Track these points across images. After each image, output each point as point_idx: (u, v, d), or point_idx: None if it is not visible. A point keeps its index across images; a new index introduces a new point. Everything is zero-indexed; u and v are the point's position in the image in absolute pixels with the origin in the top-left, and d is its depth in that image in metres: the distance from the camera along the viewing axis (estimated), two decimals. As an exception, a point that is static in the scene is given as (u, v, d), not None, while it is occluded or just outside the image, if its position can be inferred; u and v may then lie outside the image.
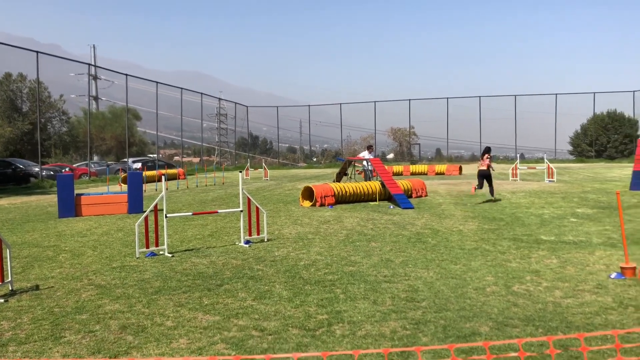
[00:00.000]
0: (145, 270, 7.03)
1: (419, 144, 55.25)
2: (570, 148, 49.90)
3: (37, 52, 26.50)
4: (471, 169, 35.29)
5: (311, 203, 14.35)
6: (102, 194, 15.18)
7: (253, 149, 60.38)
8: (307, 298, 5.58)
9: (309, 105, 54.33)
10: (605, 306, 5.12)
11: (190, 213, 9.67)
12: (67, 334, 4.67)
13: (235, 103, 54.52)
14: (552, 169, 22.17)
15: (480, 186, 14.83)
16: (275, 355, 2.53)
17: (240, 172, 9.68)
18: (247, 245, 8.61)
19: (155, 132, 40.59)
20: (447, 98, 49.98)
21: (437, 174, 30.61)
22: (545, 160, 24.36)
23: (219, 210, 10.34)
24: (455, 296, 5.56)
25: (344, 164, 19.76)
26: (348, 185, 15.11)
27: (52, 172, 27.49)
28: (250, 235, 9.11)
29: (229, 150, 56.77)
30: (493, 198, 14.75)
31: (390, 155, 52.85)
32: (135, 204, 13.76)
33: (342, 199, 14.66)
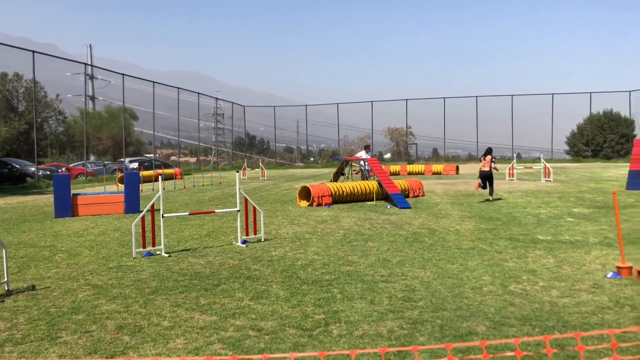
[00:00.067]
0: (142, 270, 7.01)
1: (416, 144, 55.33)
2: (566, 148, 50.03)
3: (34, 51, 26.42)
4: (468, 169, 35.34)
5: (308, 203, 14.35)
6: (98, 193, 15.14)
7: (250, 148, 60.34)
8: (304, 298, 5.58)
9: (306, 105, 54.36)
10: (601, 305, 5.13)
11: (187, 213, 9.65)
12: (64, 334, 4.65)
13: (232, 103, 54.48)
14: (548, 168, 22.23)
15: (484, 186, 14.93)
16: (272, 355, 2.53)
17: (237, 172, 9.67)
18: (244, 245, 8.60)
19: (152, 132, 40.54)
20: (444, 98, 50.09)
21: (434, 173, 30.66)
22: (542, 160, 24.42)
23: (216, 210, 10.33)
24: (452, 296, 5.57)
25: (341, 164, 19.77)
26: (345, 185, 15.12)
27: (48, 172, 27.41)
28: (247, 235, 9.10)
29: (226, 150, 56.72)
30: (490, 198, 14.77)
31: (388, 155, 52.89)
32: (132, 204, 13.74)
33: (339, 199, 14.66)
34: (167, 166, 36.31)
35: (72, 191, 14.70)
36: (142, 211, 8.60)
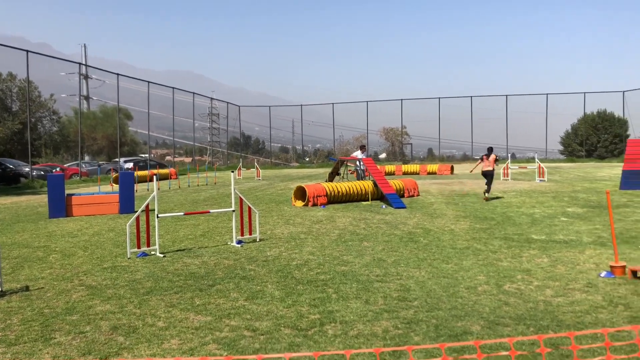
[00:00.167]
0: (137, 271, 6.99)
1: (411, 144, 55.41)
2: (560, 148, 50.23)
3: (27, 51, 26.29)
4: (463, 169, 35.43)
5: (304, 203, 14.34)
6: (93, 194, 15.09)
7: (245, 148, 60.27)
8: (300, 298, 5.58)
9: (301, 105, 54.32)
10: (595, 305, 5.16)
11: (182, 213, 9.64)
12: (57, 335, 4.63)
13: (228, 103, 54.38)
14: (543, 168, 22.31)
15: (489, 186, 15.07)
16: (267, 356, 2.53)
17: (233, 172, 9.66)
18: (239, 245, 8.59)
19: (147, 132, 40.41)
20: (439, 98, 50.18)
21: (429, 173, 30.71)
22: (536, 159, 24.51)
23: (211, 210, 10.32)
24: (447, 295, 5.58)
25: (336, 164, 19.78)
26: (340, 185, 15.12)
27: (42, 172, 27.29)
28: (242, 235, 9.09)
29: (221, 150, 56.63)
30: (486, 196, 14.85)
31: (383, 155, 52.95)
32: (126, 204, 13.69)
33: (334, 199, 14.67)
34: (162, 166, 36.21)
35: (67, 191, 14.64)
36: (136, 211, 8.58)
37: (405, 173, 31.50)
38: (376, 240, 8.96)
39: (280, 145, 70.14)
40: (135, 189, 14.81)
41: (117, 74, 34.54)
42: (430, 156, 55.34)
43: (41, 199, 17.86)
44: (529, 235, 9.07)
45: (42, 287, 6.26)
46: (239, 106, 55.23)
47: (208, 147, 56.98)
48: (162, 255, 7.92)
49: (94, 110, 47.57)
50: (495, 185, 19.83)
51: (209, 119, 57.29)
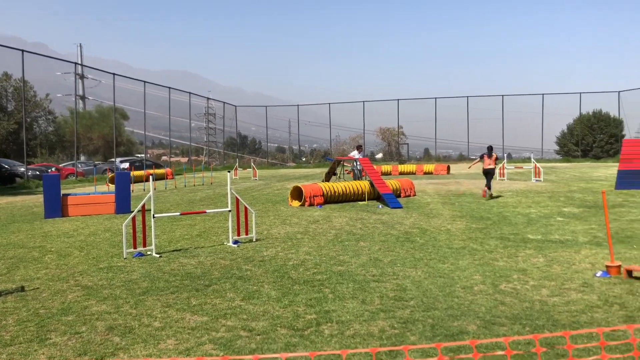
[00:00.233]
0: (133, 271, 6.98)
1: (408, 144, 55.49)
2: (556, 148, 50.36)
3: (23, 50, 26.20)
4: (459, 169, 35.49)
5: (300, 203, 14.34)
6: (89, 194, 15.05)
7: (242, 148, 60.21)
8: (296, 298, 5.58)
9: (297, 105, 54.32)
10: (590, 304, 5.18)
11: (178, 213, 9.62)
12: (53, 335, 4.62)
13: (224, 103, 54.33)
14: (539, 168, 22.37)
15: (489, 184, 15.38)
16: (263, 356, 2.52)
17: (229, 172, 9.65)
18: (235, 245, 8.58)
19: (143, 132, 40.34)
20: (436, 98, 50.25)
21: (425, 173, 30.75)
22: (532, 159, 24.56)
23: (207, 210, 10.30)
24: (443, 295, 5.59)
25: (332, 164, 19.79)
26: (337, 185, 15.13)
27: (38, 172, 27.19)
28: (238, 235, 9.08)
29: (218, 150, 56.56)
30: (490, 194, 15.25)
31: (379, 155, 53.00)
32: (122, 204, 13.66)
33: (331, 199, 14.67)
34: (158, 166, 36.15)
35: (62, 191, 14.60)
36: (133, 211, 8.56)
37: (401, 173, 31.54)
38: (373, 240, 8.97)
39: (276, 145, 70.13)
40: (131, 189, 14.77)
41: (113, 74, 34.46)
42: (427, 156, 55.41)
43: (37, 199, 17.81)
44: (525, 235, 9.09)
45: (38, 288, 6.23)
46: (236, 106, 55.18)
47: (204, 147, 56.91)
48: (158, 256, 7.90)
49: (89, 110, 47.44)
50: (492, 185, 19.87)
51: (205, 119, 57.22)
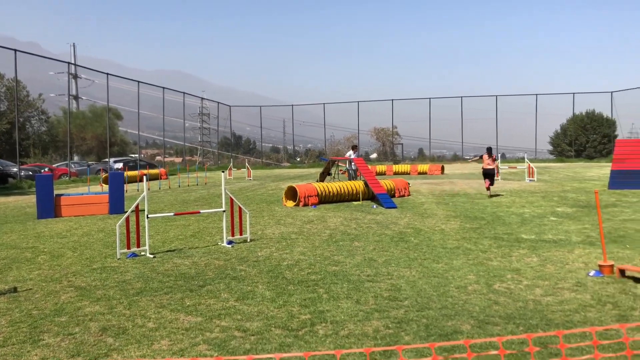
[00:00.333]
0: (127, 272, 6.95)
1: (402, 144, 55.57)
2: (550, 148, 50.60)
3: (16, 50, 26.04)
4: (453, 169, 35.59)
5: (295, 203, 14.33)
6: (82, 194, 14.98)
7: (236, 148, 60.11)
8: (290, 298, 5.57)
9: (292, 105, 54.30)
10: (584, 304, 5.20)
11: (172, 213, 9.59)
12: (46, 336, 4.59)
13: (218, 102, 54.22)
14: (532, 168, 22.47)
15: (487, 183, 15.73)
16: (257, 356, 2.52)
17: (223, 172, 9.63)
18: (229, 246, 8.56)
19: (137, 132, 40.19)
20: (430, 98, 50.36)
21: (419, 173, 30.81)
22: (526, 159, 24.67)
23: (202, 211, 10.26)
24: (438, 295, 5.60)
25: (327, 164, 19.79)
26: (332, 185, 15.13)
27: (30, 173, 27.04)
28: (233, 235, 9.06)
29: (212, 150, 56.44)
30: (489, 193, 15.63)
31: (374, 155, 53.05)
32: (116, 205, 13.61)
33: (325, 199, 14.67)
34: (152, 166, 36.04)
35: (55, 192, 14.52)
36: (126, 212, 8.53)
37: (396, 173, 31.58)
38: (367, 240, 8.98)
39: (271, 145, 70.06)
40: (125, 189, 14.72)
41: (107, 74, 34.32)
42: (421, 156, 55.53)
43: (29, 200, 17.70)
44: (518, 235, 9.13)
45: (31, 289, 6.20)
46: (230, 106, 55.08)
47: (198, 147, 56.77)
48: (152, 256, 7.88)
49: (83, 110, 47.21)
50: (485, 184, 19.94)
51: (199, 119, 57.06)
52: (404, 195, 16.20)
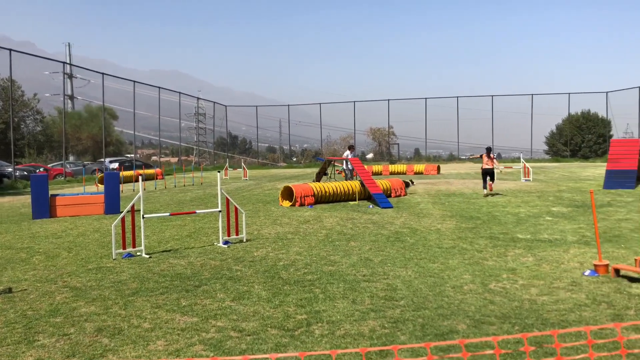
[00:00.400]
0: (122, 272, 6.93)
1: (398, 144, 55.66)
2: (545, 148, 50.79)
3: (10, 50, 25.93)
4: (449, 169, 35.66)
5: (291, 203, 14.33)
6: (78, 194, 14.93)
7: (232, 148, 60.05)
8: (286, 298, 5.57)
9: (288, 105, 54.29)
10: (579, 303, 5.22)
11: (168, 214, 9.57)
12: (41, 337, 4.58)
13: (214, 102, 54.16)
14: (528, 168, 22.53)
15: (485, 183, 16.05)
16: (253, 356, 2.52)
17: (219, 172, 9.62)
18: (225, 246, 8.55)
19: (132, 132, 40.10)
20: (426, 98, 50.43)
21: (415, 173, 30.85)
22: (522, 159, 24.73)
23: (197, 211, 10.25)
24: (433, 294, 5.61)
25: (323, 164, 19.79)
26: (328, 185, 15.13)
27: (25, 173, 26.95)
28: (229, 235, 9.05)
29: (208, 150, 56.37)
30: (491, 192, 15.93)
31: (370, 155, 53.12)
32: (112, 205, 13.57)
33: (321, 199, 14.67)
34: (147, 166, 35.95)
35: (51, 192, 14.47)
36: (122, 212, 8.51)
37: (392, 173, 31.62)
38: (363, 240, 8.98)
39: (267, 145, 70.03)
40: (120, 189, 14.68)
41: (102, 74, 34.24)
42: (417, 156, 55.61)
43: (24, 200, 17.63)
44: (514, 235, 9.15)
45: (26, 289, 6.17)
46: (226, 106, 55.03)
47: (194, 147, 56.69)
48: (147, 256, 7.86)
49: (78, 110, 47.08)
50: (481, 184, 19.98)
51: (195, 119, 57.02)
52: (400, 195, 16.22)
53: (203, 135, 57.31)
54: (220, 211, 8.91)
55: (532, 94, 48.67)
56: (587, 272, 6.30)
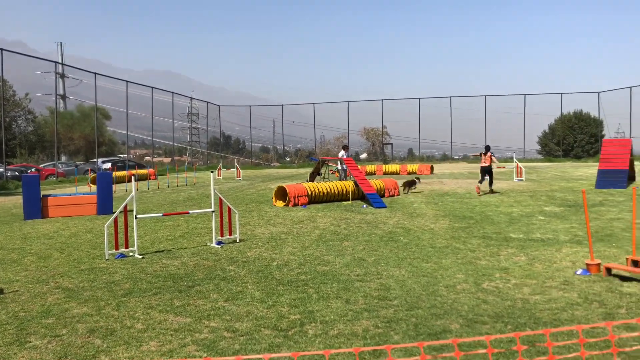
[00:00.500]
0: (115, 272, 6.90)
1: (392, 144, 55.76)
2: (538, 147, 51.05)
3: (1, 49, 25.76)
4: (442, 169, 35.77)
5: (284, 203, 14.32)
6: (70, 194, 14.85)
7: (225, 148, 59.91)
8: (280, 298, 5.57)
9: (282, 105, 54.25)
10: (571, 302, 5.25)
11: (161, 214, 9.54)
12: (33, 338, 4.55)
13: (207, 102, 54.03)
14: (521, 168, 22.63)
15: (482, 181, 16.40)
16: (246, 357, 2.51)
17: (212, 172, 9.60)
18: (219, 246, 8.53)
19: (125, 132, 39.94)
20: (419, 98, 50.56)
21: (409, 173, 30.91)
22: (514, 159, 24.84)
23: (191, 211, 10.22)
24: (427, 294, 5.62)
25: (317, 164, 19.79)
26: (321, 185, 15.13)
27: (17, 173, 26.77)
28: (222, 236, 9.03)
29: (201, 150, 56.22)
30: (491, 189, 16.32)
31: (364, 155, 53.18)
32: (104, 205, 13.50)
33: (315, 199, 14.67)
34: (140, 166, 35.82)
35: (42, 192, 14.39)
36: (115, 212, 8.47)
37: (385, 173, 31.67)
38: (357, 239, 8.99)
39: (261, 145, 69.95)
40: (113, 189, 14.61)
41: (95, 73, 34.07)
42: (411, 156, 55.74)
43: (16, 200, 17.52)
44: (507, 234, 9.19)
45: (17, 290, 6.13)
46: (219, 106, 54.92)
47: (187, 147, 56.53)
48: (140, 257, 7.83)
49: (70, 110, 46.81)
50: (475, 184, 20.06)
51: (188, 119, 56.85)
52: (393, 195, 16.25)
53: (196, 135, 57.17)
54: (213, 211, 8.89)
55: (525, 94, 48.94)
56: (579, 271, 6.34)
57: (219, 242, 8.73)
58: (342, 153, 20.87)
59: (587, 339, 2.91)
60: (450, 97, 49.91)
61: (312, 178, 19.14)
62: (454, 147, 51.44)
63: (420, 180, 19.63)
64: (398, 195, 16.42)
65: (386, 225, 10.50)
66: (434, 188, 19.35)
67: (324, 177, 19.40)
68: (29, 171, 27.29)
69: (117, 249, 7.93)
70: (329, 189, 15.01)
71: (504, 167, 24.87)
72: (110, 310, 5.27)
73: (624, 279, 5.98)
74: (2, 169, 26.30)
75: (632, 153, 19.04)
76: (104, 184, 13.78)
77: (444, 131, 50.57)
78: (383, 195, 15.82)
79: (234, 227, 9.21)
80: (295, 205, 14.15)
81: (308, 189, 14.61)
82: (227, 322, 4.84)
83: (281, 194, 14.82)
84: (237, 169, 29.76)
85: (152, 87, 40.45)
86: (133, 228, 8.14)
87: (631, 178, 18.48)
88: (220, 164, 35.13)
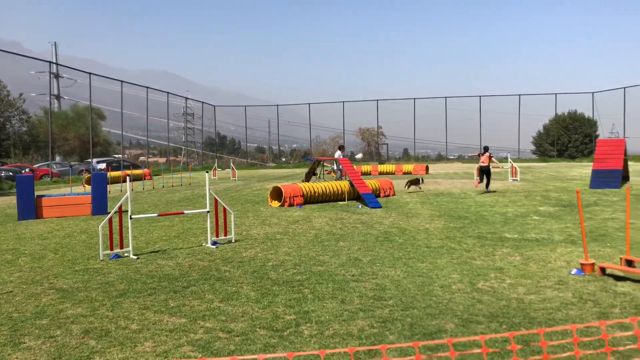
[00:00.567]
0: (110, 273, 6.88)
1: (387, 144, 55.82)
2: (533, 147, 51.24)
3: (-5, 49, 25.65)
4: (438, 169, 35.84)
5: (280, 203, 14.31)
6: (64, 195, 14.79)
7: (221, 149, 59.83)
8: (275, 299, 5.56)
9: (277, 105, 54.22)
10: (565, 302, 5.27)
11: (156, 214, 9.51)
12: (27, 339, 4.53)
13: (203, 102, 53.93)
14: (515, 168, 22.70)
15: (481, 180, 16.68)
16: (241, 357, 2.51)
17: (208, 172, 9.58)
18: (214, 247, 8.52)
19: (120, 132, 39.82)
20: (414, 99, 50.67)
21: (404, 173, 30.96)
22: (509, 159, 24.91)
23: (186, 211, 10.20)
24: (422, 294, 5.63)
25: (313, 164, 19.79)
26: (317, 185, 15.13)
27: (11, 173, 26.62)
28: (217, 236, 9.01)
29: (196, 150, 56.11)
30: (487, 190, 16.50)
31: (359, 155, 53.22)
32: (99, 206, 13.46)
33: (311, 199, 14.67)
34: (135, 167, 35.70)
35: (37, 193, 14.32)
36: (109, 213, 8.44)
37: (381, 173, 31.70)
38: (352, 240, 8.99)
39: (256, 145, 69.86)
40: (108, 190, 14.57)
41: (90, 73, 33.95)
42: (406, 156, 55.84)
43: (10, 201, 17.43)
44: (502, 234, 9.21)
45: (11, 291, 6.10)
46: (214, 106, 54.83)
47: (183, 147, 56.40)
48: (135, 257, 7.80)
49: (65, 110, 46.60)
50: (470, 184, 20.11)
51: (183, 119, 56.69)
52: (389, 195, 16.27)
53: (191, 136, 57.02)
54: (208, 212, 8.88)
55: (520, 95, 49.13)
56: (574, 271, 6.37)
57: (214, 243, 8.72)
58: (338, 153, 20.87)
59: (581, 338, 2.92)
60: (446, 97, 50.09)
61: (307, 178, 19.14)
62: (449, 148, 51.61)
63: (424, 180, 19.69)
64: (393, 195, 16.43)
65: (381, 226, 10.51)
66: (429, 188, 19.38)
67: (319, 177, 19.39)
68: (23, 171, 27.14)
69: (111, 249, 7.91)
70: (324, 189, 15.01)
71: (503, 168, 24.93)
72: (105, 311, 5.25)
73: (618, 278, 6.01)
74: (-4, 169, 26.16)
75: (626, 153, 19.14)
76: (99, 184, 13.73)
77: (439, 131, 50.75)
78: (378, 196, 15.83)
79: (229, 228, 9.19)
80: (290, 205, 14.14)
81: (303, 189, 14.61)
82: (223, 323, 4.83)
83: (276, 194, 14.81)
84: (233, 169, 29.72)
85: (147, 87, 40.37)
86: (128, 228, 8.11)
87: (625, 178, 18.58)
88: (216, 164, 35.07)
